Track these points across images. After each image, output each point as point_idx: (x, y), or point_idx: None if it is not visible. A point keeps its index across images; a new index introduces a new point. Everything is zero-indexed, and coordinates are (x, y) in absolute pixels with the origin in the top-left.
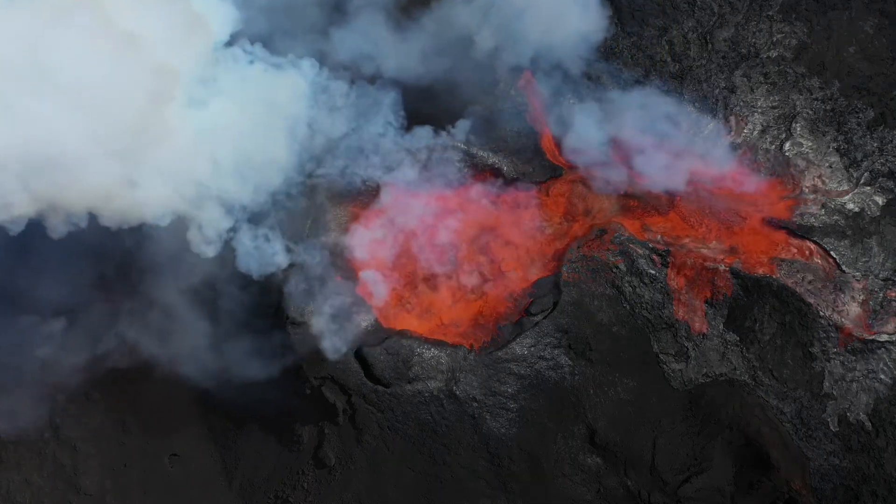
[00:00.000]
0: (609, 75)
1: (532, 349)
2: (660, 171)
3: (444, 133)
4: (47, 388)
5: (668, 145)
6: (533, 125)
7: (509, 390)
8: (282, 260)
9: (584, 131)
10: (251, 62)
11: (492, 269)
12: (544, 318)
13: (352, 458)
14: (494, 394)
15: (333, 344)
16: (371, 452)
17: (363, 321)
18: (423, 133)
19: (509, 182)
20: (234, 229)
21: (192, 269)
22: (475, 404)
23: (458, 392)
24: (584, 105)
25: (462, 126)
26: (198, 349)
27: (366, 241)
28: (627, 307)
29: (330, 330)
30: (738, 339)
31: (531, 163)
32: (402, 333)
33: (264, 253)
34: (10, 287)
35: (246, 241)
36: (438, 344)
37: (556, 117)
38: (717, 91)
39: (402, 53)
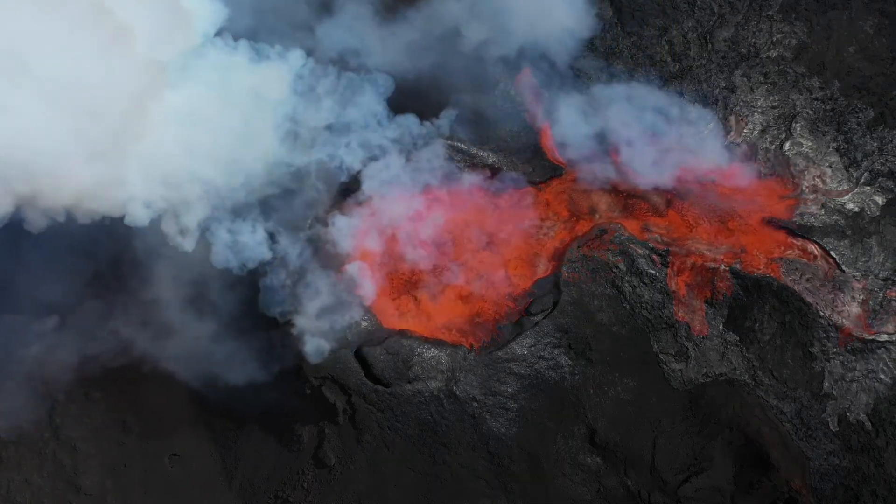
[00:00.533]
0: (607, 73)
1: (532, 349)
2: (653, 166)
3: (430, 124)
4: (41, 386)
5: (663, 141)
6: (533, 125)
7: (509, 390)
8: (263, 254)
9: (582, 128)
10: (234, 51)
11: (490, 269)
12: (544, 318)
13: (352, 457)
14: (494, 393)
15: (319, 346)
16: (371, 452)
17: (349, 321)
18: (418, 129)
19: (509, 181)
20: (216, 220)
21: (189, 266)
22: (475, 404)
23: (458, 392)
24: (580, 102)
25: (450, 117)
26: (196, 349)
27: (357, 237)
28: (627, 307)
29: (312, 331)
30: (738, 338)
31: (531, 163)
32: (403, 333)
33: (244, 246)
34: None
35: (224, 234)
36: (438, 344)
37: (554, 116)
38: (717, 91)
39: (392, 49)
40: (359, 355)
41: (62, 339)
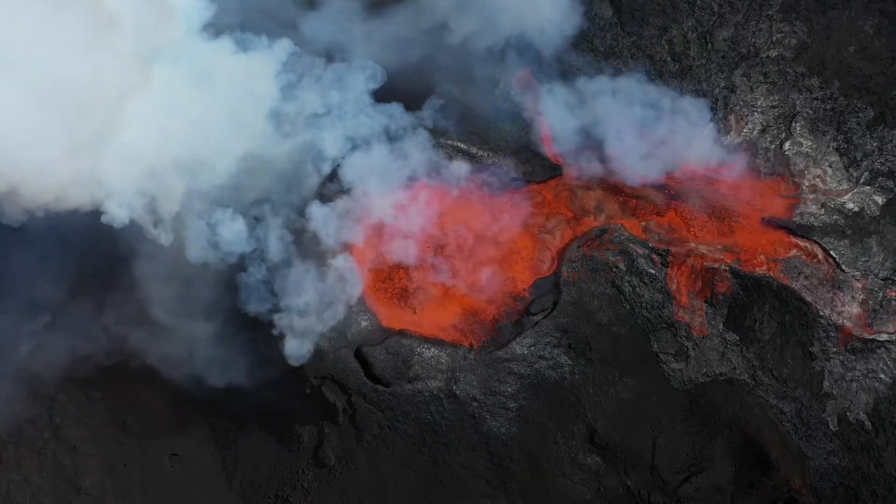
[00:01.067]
0: (605, 70)
1: (532, 349)
2: (646, 160)
3: (416, 116)
4: (38, 385)
5: (656, 135)
6: (532, 124)
7: (509, 390)
8: (242, 247)
9: (578, 125)
10: (217, 42)
11: (490, 268)
12: (544, 317)
13: (352, 457)
14: (494, 393)
15: (300, 347)
16: (371, 452)
17: (334, 320)
18: (407, 119)
19: (508, 181)
20: (194, 213)
21: (184, 263)
22: (475, 404)
23: (457, 391)
24: (577, 99)
25: (434, 106)
26: (194, 348)
27: (344, 232)
28: (627, 307)
29: (294, 330)
30: (738, 338)
31: (531, 162)
32: (403, 333)
33: (223, 240)
34: None
35: (202, 227)
36: (438, 343)
37: (553, 114)
38: (716, 90)
39: (378, 45)
40: (359, 355)
41: (55, 337)
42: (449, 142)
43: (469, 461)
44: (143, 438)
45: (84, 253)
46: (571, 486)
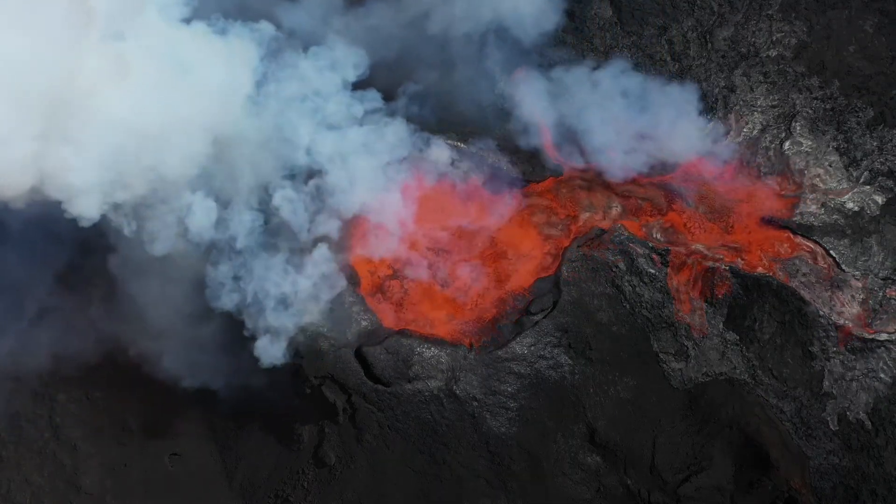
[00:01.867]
0: (601, 66)
1: (532, 348)
2: (641, 156)
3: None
4: (23, 380)
5: (646, 130)
6: (531, 124)
7: (509, 389)
8: (210, 234)
9: (573, 122)
10: (192, 25)
11: (490, 268)
12: (544, 317)
13: (352, 457)
14: (494, 393)
15: (274, 349)
16: (371, 452)
17: (313, 316)
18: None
19: (508, 181)
20: (162, 202)
21: (181, 259)
22: (475, 403)
23: (458, 391)
24: (575, 97)
25: (408, 92)
26: (194, 347)
27: (325, 224)
28: (627, 306)
29: (269, 329)
30: (737, 338)
31: (531, 162)
32: (403, 333)
33: (191, 228)
34: None
35: (170, 218)
36: (438, 343)
37: (552, 113)
38: (716, 90)
39: (364, 41)
40: (359, 355)
41: (47, 333)
42: (448, 141)
43: (469, 461)
44: (143, 438)
45: (77, 248)
46: (571, 485)
